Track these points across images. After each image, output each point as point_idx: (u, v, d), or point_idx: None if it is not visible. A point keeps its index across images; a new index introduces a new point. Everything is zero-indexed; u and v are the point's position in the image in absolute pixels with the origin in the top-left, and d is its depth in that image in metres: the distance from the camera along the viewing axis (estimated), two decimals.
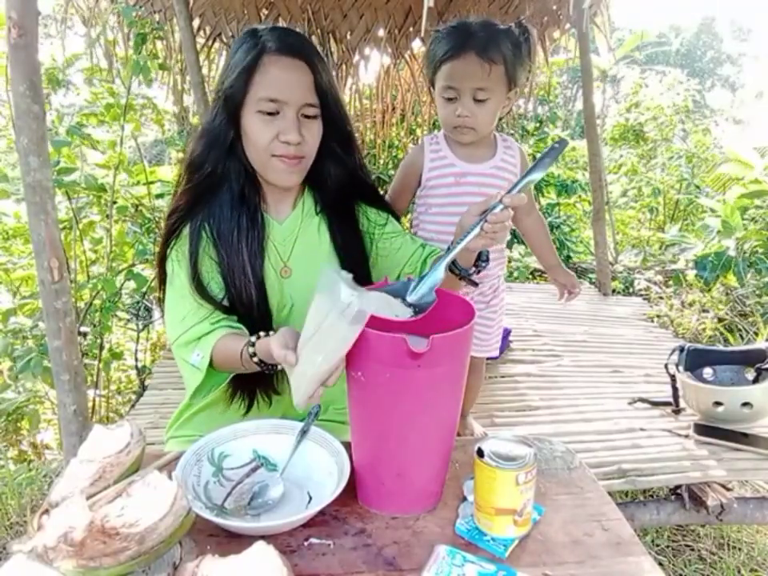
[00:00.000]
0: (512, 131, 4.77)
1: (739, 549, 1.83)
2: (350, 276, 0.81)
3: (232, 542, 0.80)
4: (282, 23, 3.12)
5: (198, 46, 3.00)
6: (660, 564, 1.72)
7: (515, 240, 4.03)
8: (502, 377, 2.33)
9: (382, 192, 1.33)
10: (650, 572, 0.77)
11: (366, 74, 3.53)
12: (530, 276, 4.12)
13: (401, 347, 0.75)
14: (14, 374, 2.14)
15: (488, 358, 1.82)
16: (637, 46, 6.86)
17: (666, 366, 1.97)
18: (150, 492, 0.72)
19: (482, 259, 1.02)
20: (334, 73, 3.34)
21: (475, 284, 1.03)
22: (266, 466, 0.96)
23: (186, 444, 0.95)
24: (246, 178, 1.10)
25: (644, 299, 3.50)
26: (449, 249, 0.95)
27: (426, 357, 0.76)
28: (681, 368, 1.94)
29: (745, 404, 1.78)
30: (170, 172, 3.07)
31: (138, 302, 3.21)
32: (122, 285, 2.63)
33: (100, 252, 2.79)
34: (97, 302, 2.44)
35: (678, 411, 1.96)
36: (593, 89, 3.26)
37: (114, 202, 2.61)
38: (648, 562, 0.79)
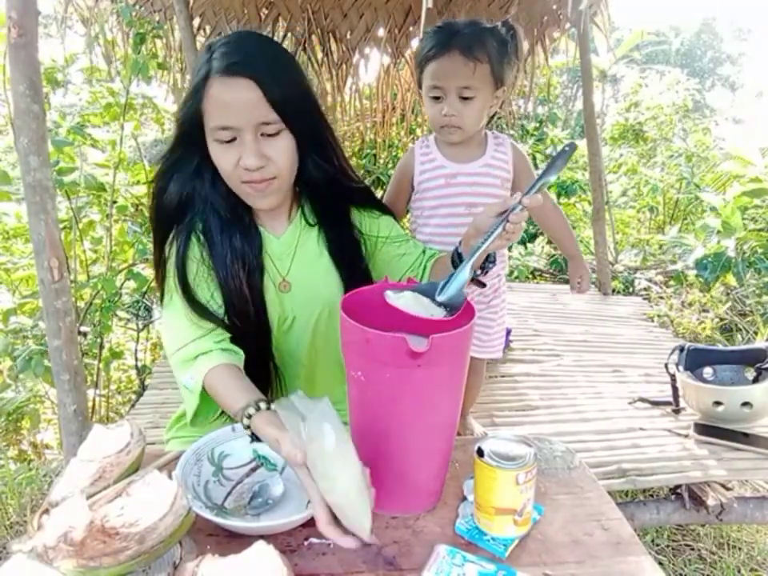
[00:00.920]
0: (512, 131, 4.77)
1: (739, 548, 1.83)
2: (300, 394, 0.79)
3: (232, 541, 0.80)
4: (282, 23, 3.12)
5: (198, 46, 3.00)
6: (660, 564, 1.72)
7: None
8: (502, 376, 2.33)
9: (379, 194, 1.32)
10: (650, 572, 0.77)
11: (366, 73, 3.53)
12: (530, 276, 4.12)
13: (401, 347, 0.75)
14: (15, 373, 2.14)
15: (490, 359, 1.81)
16: (636, 46, 6.84)
17: (666, 365, 1.97)
18: (150, 492, 0.72)
19: (489, 260, 1.02)
20: (333, 72, 3.36)
21: (483, 284, 1.04)
22: (265, 465, 0.96)
23: (187, 445, 0.95)
24: (233, 199, 1.05)
25: (644, 299, 3.50)
26: (456, 251, 0.94)
27: (426, 357, 0.76)
28: (681, 368, 1.94)
29: (745, 404, 1.78)
30: None
31: (138, 302, 3.21)
32: (122, 284, 2.62)
33: (100, 252, 2.79)
34: (97, 301, 2.43)
35: (677, 411, 1.96)
36: (592, 88, 3.25)
37: (114, 202, 2.61)
38: (648, 561, 0.79)
